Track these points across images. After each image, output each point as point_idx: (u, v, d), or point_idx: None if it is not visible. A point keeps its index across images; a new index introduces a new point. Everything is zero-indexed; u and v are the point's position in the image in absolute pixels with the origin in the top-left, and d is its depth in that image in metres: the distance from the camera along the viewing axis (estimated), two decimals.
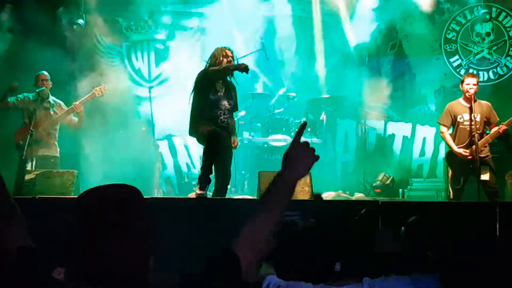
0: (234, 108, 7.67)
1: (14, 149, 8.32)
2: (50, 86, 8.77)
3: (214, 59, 7.49)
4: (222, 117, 7.36)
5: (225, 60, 7.42)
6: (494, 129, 8.01)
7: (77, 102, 8.69)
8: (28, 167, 8.01)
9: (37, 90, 8.56)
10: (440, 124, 8.37)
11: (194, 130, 7.47)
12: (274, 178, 2.37)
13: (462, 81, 8.21)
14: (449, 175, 8.32)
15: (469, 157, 7.95)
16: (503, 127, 7.92)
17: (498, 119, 8.12)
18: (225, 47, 7.60)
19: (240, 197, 9.11)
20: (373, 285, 3.34)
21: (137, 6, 11.46)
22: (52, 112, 8.67)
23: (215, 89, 7.38)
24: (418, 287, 3.55)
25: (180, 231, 5.64)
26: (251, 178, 9.38)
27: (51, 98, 8.76)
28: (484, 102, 8.24)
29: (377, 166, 10.69)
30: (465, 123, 8.08)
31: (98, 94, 8.95)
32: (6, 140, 8.81)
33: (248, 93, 10.34)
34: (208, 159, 7.16)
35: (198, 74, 7.52)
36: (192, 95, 7.49)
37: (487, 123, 8.11)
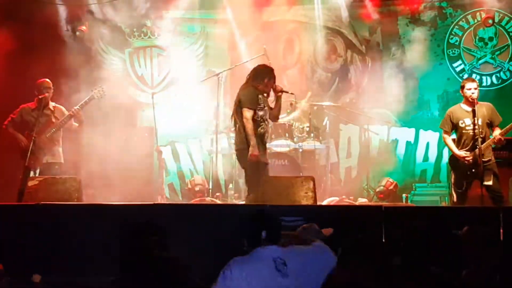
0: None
1: (20, 157, 8.34)
2: (52, 93, 8.76)
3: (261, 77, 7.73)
4: (267, 135, 7.88)
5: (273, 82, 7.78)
6: (494, 133, 7.97)
7: (76, 107, 8.68)
8: (33, 175, 8.05)
9: (39, 97, 8.57)
10: (441, 129, 8.38)
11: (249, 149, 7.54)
12: None
13: (462, 87, 8.16)
14: (452, 179, 8.30)
15: (471, 161, 7.92)
16: (497, 136, 7.89)
17: (501, 119, 8.08)
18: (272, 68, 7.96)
19: (243, 202, 9.10)
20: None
21: (140, 13, 11.49)
22: (53, 119, 8.67)
23: (262, 104, 7.65)
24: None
25: (184, 235, 5.63)
26: None
27: (52, 105, 8.76)
28: (485, 103, 8.21)
29: (381, 171, 10.67)
30: (467, 127, 8.05)
31: (97, 97, 8.93)
32: (11, 147, 8.81)
33: None
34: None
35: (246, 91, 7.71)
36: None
37: (490, 125, 8.07)
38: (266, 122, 7.69)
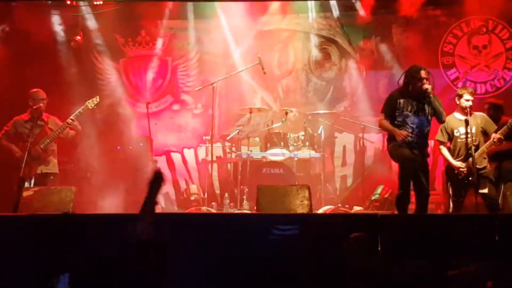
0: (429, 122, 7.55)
1: (14, 168, 8.31)
2: (45, 104, 8.74)
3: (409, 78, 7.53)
4: (411, 139, 7.34)
5: (419, 83, 7.40)
6: (492, 135, 7.98)
7: (71, 117, 8.66)
8: (28, 185, 8.03)
9: (33, 108, 8.56)
10: (438, 140, 8.35)
11: (389, 150, 7.64)
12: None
13: (460, 96, 8.12)
14: (450, 189, 8.27)
15: (465, 172, 7.93)
16: (497, 136, 7.89)
17: (495, 127, 8.07)
18: (422, 68, 7.50)
19: (239, 211, 9.10)
20: None
21: (134, 22, 11.49)
22: (47, 129, 8.66)
23: (401, 109, 7.45)
24: None
25: (181, 244, 5.62)
26: (250, 193, 9.35)
27: (45, 116, 8.75)
28: (478, 113, 8.22)
29: (376, 180, 10.64)
30: (462, 136, 8.05)
31: (91, 106, 8.92)
32: (5, 158, 8.77)
33: (246, 108, 10.35)
34: (403, 181, 7.45)
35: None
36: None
37: (484, 133, 8.08)
38: (408, 126, 7.35)
